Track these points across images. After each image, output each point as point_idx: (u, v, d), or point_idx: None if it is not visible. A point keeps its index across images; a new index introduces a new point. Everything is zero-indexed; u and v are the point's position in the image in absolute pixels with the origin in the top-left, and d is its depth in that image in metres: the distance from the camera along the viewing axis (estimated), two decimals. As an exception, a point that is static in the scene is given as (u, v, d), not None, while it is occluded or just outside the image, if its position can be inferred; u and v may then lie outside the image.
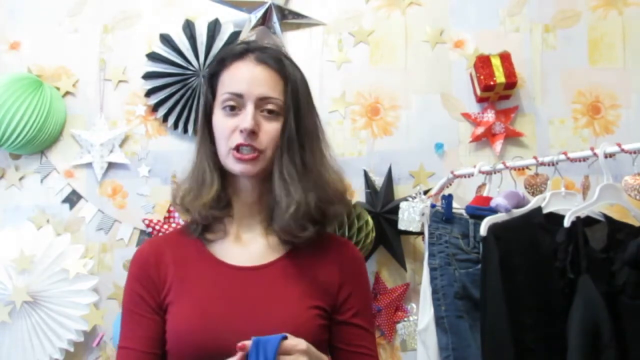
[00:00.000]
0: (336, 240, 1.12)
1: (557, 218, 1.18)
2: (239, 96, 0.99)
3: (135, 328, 1.01)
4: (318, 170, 1.03)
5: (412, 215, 1.43)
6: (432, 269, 1.37)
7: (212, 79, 1.05)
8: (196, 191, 1.03)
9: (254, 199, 1.05)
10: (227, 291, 0.99)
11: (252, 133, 0.98)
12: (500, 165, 1.41)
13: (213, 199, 1.02)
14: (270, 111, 1.00)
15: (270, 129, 1.00)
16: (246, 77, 1.00)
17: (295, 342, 0.86)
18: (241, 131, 0.97)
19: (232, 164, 1.00)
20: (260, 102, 0.99)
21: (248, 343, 0.83)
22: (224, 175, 1.04)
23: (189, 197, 1.03)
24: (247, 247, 1.05)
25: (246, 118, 0.97)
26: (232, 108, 1.00)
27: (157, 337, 1.00)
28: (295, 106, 1.02)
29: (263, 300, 0.98)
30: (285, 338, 0.85)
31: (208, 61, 1.69)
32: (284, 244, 1.04)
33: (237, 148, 0.98)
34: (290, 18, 1.73)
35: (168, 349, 0.99)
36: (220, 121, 1.01)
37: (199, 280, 1.00)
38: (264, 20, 1.70)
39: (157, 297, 1.01)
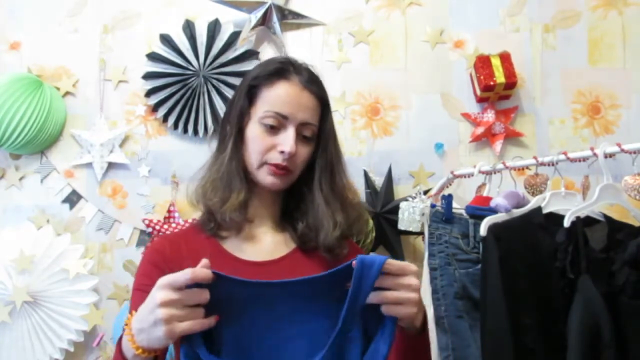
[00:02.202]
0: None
1: (557, 218, 1.18)
2: (283, 117, 1.05)
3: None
4: (345, 191, 1.12)
5: (412, 215, 1.43)
6: (432, 269, 1.37)
7: (252, 90, 1.09)
8: (222, 195, 1.06)
9: (269, 203, 1.12)
10: None
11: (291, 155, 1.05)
12: (500, 165, 1.41)
13: (240, 204, 1.06)
14: (305, 135, 1.07)
15: (302, 152, 1.07)
16: (293, 101, 1.06)
17: (404, 263, 0.83)
18: (281, 152, 1.04)
19: (263, 177, 1.06)
20: (301, 127, 1.06)
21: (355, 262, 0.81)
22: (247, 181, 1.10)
23: (216, 200, 1.06)
24: (259, 242, 1.10)
25: (288, 141, 1.04)
26: (272, 126, 1.05)
27: None
28: (332, 131, 1.11)
29: None
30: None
31: (208, 61, 1.69)
32: (292, 240, 1.11)
33: (273, 165, 1.05)
34: (290, 18, 1.73)
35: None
36: (258, 136, 1.06)
37: None
38: (264, 20, 1.70)
39: None
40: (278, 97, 1.06)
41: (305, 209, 1.11)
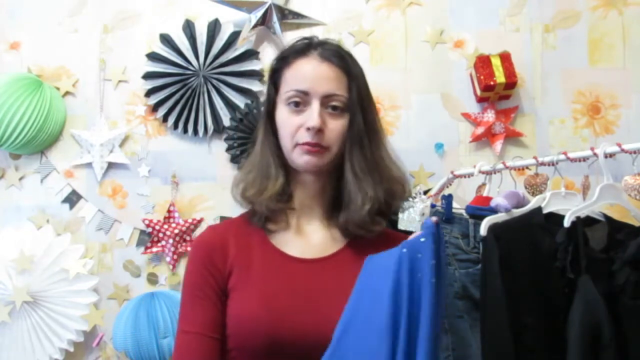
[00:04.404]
0: (392, 234, 1.13)
1: (557, 218, 1.18)
2: (304, 93, 1.02)
3: (197, 312, 1.02)
4: (385, 164, 1.07)
5: (412, 215, 1.42)
6: (432, 269, 1.36)
7: (274, 75, 1.08)
8: (260, 185, 1.05)
9: (316, 192, 1.08)
10: (289, 283, 1.01)
11: (319, 131, 1.00)
12: (500, 165, 1.41)
13: (278, 192, 1.04)
14: (334, 107, 1.03)
15: (335, 126, 1.02)
16: (311, 75, 1.02)
17: None
18: (308, 129, 1.00)
19: (297, 158, 1.03)
20: (325, 100, 1.02)
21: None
22: (287, 169, 1.07)
23: (253, 190, 1.05)
24: (308, 238, 1.07)
25: (313, 116, 1.00)
26: (297, 104, 1.02)
27: (219, 322, 1.01)
28: (361, 102, 1.04)
29: (325, 292, 1.00)
30: None
31: (208, 61, 1.69)
32: (343, 235, 1.07)
33: (304, 144, 1.01)
34: (290, 18, 1.73)
35: (229, 333, 1.01)
36: (285, 118, 1.03)
37: (262, 271, 1.02)
38: (264, 20, 1.70)
39: (221, 282, 1.03)
40: (297, 74, 1.04)
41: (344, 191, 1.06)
